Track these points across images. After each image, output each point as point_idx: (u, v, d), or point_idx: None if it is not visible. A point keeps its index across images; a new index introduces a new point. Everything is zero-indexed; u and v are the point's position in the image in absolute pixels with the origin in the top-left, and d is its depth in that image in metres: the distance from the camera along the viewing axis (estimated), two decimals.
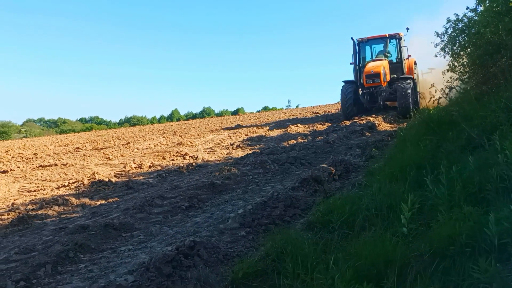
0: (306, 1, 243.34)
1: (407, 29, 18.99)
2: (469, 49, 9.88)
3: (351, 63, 19.81)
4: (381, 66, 17.94)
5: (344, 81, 19.40)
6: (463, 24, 9.78)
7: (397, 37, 19.30)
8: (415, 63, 19.58)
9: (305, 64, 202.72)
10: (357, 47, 19.59)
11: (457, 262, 2.66)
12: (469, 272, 2.48)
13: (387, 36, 19.42)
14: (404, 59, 19.08)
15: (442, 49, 10.73)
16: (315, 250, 3.34)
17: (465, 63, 10.23)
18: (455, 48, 10.32)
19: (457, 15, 10.01)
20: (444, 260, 2.71)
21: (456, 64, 10.42)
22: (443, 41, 10.64)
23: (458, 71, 10.40)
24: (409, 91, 16.93)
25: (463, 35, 9.92)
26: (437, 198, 3.62)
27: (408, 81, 17.69)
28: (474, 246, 2.71)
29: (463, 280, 2.50)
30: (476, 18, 9.29)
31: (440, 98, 9.60)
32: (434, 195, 3.70)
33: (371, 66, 18.14)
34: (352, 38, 19.30)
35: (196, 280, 3.22)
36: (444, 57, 10.96)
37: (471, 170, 3.80)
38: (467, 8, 9.63)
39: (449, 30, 10.28)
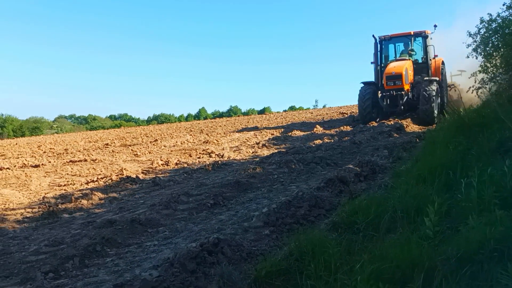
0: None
1: (435, 26, 17.69)
2: (502, 50, 9.62)
3: (371, 63, 18.48)
4: (404, 66, 16.63)
5: (362, 82, 18.11)
6: (496, 24, 9.53)
7: (423, 35, 17.98)
8: (443, 63, 18.30)
9: (333, 63, 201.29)
10: (378, 45, 18.21)
11: (485, 267, 2.59)
12: (497, 278, 2.41)
13: (412, 34, 18.13)
14: (430, 59, 17.68)
15: (475, 49, 10.48)
16: (339, 251, 3.31)
17: (498, 64, 9.96)
18: (487, 48, 10.06)
19: (490, 15, 9.77)
20: (472, 265, 2.64)
21: (488, 65, 10.15)
22: (475, 41, 10.39)
23: (491, 72, 10.13)
24: (433, 94, 15.68)
25: (496, 36, 9.67)
26: (466, 201, 3.53)
27: (433, 83, 16.30)
28: (503, 251, 2.63)
29: (491, 286, 2.43)
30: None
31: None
32: (463, 198, 3.61)
33: (392, 67, 16.90)
34: (373, 35, 18.02)
35: (219, 277, 3.24)
36: (477, 58, 10.70)
37: (503, 173, 3.69)
38: (504, 4, 9.38)
39: (482, 31, 10.04)
